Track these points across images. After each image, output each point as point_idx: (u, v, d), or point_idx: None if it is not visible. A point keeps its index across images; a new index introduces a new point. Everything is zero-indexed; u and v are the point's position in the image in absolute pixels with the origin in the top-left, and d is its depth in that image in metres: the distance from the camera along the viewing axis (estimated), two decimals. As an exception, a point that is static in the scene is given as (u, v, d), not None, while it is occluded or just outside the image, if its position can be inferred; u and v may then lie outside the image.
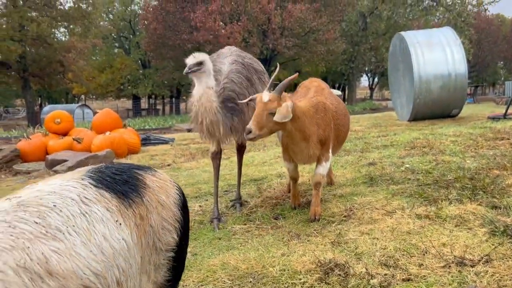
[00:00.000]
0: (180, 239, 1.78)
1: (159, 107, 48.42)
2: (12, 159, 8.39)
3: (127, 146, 8.64)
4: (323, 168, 3.67)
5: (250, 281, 2.61)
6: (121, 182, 1.60)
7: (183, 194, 1.88)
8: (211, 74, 3.54)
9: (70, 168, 6.89)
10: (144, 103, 50.01)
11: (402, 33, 12.18)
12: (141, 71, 42.83)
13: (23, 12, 28.34)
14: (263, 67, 4.36)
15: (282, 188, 4.64)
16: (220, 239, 3.43)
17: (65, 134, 9.37)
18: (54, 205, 1.37)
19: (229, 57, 3.97)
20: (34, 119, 28.59)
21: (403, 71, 12.02)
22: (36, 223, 1.29)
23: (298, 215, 3.81)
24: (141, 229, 1.58)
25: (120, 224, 1.49)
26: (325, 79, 43.67)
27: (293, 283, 2.51)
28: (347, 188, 4.36)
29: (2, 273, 1.16)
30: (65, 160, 7.54)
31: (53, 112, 9.67)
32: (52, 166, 7.64)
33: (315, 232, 3.32)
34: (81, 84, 35.91)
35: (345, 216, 3.56)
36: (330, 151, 3.71)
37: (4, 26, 28.79)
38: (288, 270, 2.67)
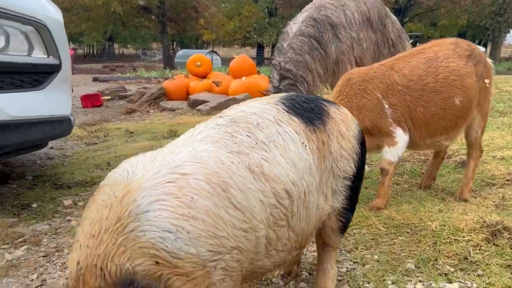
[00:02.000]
0: (357, 170, 1.87)
1: (282, 56, 48.60)
2: (159, 96, 9.22)
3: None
4: (386, 153, 2.88)
5: (408, 232, 2.58)
6: (308, 110, 1.76)
7: (362, 131, 1.95)
8: None
9: (212, 109, 7.36)
10: (267, 53, 50.65)
11: None
12: (267, 20, 43.09)
13: (165, -43, 30.07)
14: (358, 15, 3.62)
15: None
16: (367, 188, 3.42)
17: (204, 76, 9.94)
18: (257, 124, 1.57)
19: (306, 12, 3.55)
20: (169, 62, 30.85)
21: None
22: (248, 136, 1.50)
23: (451, 174, 3.61)
24: (321, 153, 1.72)
25: (306, 146, 1.64)
26: (464, 34, 39.62)
27: (455, 240, 2.43)
28: (508, 151, 3.98)
29: (238, 169, 1.38)
30: (206, 101, 8.05)
31: (194, 56, 10.27)
32: (194, 105, 8.22)
33: (472, 193, 3.13)
34: (211, 31, 37.46)
35: (507, 180, 3.28)
36: (398, 136, 2.84)
37: (147, -29, 30.96)
38: (449, 226, 2.57)
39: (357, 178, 1.90)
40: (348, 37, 3.56)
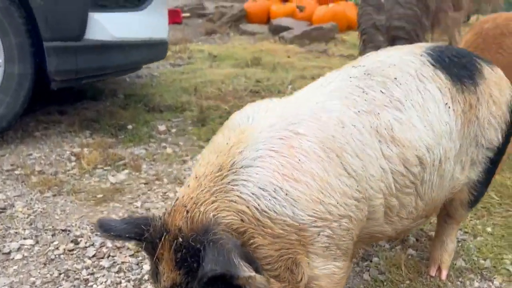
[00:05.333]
0: (502, 142, 1.65)
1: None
2: (239, 18, 8.94)
3: (347, 21, 8.33)
4: None
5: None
6: (458, 66, 1.55)
7: None
8: None
9: (296, 37, 7.03)
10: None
11: None
12: None
13: None
14: None
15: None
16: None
17: (286, 0, 9.45)
18: (395, 78, 1.43)
19: None
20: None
21: None
22: (382, 92, 1.38)
23: None
24: (467, 117, 1.53)
25: (449, 107, 1.47)
26: None
27: None
28: None
29: (360, 134, 1.29)
30: (288, 28, 7.67)
31: (278, -24, 9.70)
32: (275, 32, 7.89)
33: None
34: None
35: None
36: None
37: None
38: None
39: (501, 150, 1.69)
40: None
